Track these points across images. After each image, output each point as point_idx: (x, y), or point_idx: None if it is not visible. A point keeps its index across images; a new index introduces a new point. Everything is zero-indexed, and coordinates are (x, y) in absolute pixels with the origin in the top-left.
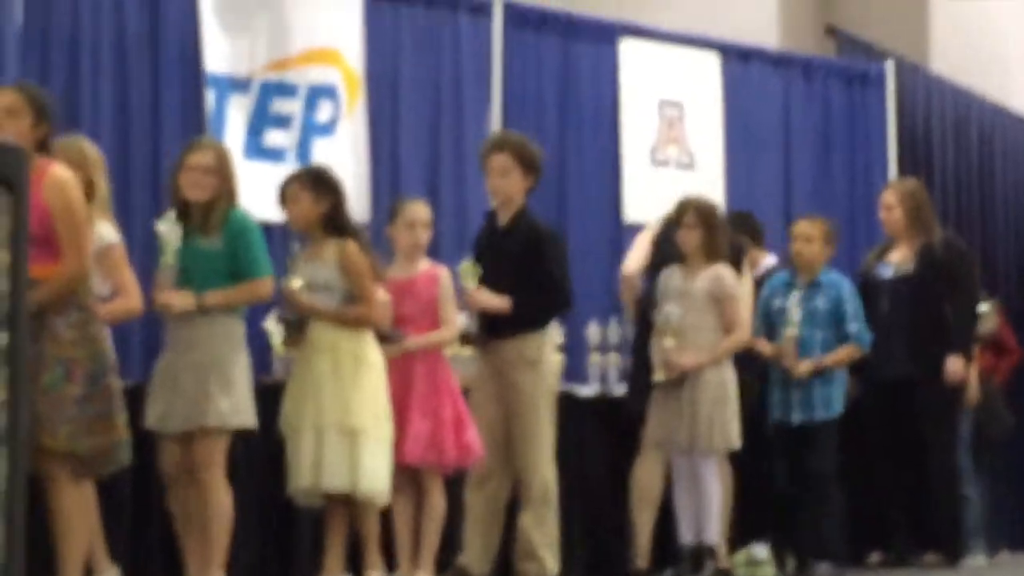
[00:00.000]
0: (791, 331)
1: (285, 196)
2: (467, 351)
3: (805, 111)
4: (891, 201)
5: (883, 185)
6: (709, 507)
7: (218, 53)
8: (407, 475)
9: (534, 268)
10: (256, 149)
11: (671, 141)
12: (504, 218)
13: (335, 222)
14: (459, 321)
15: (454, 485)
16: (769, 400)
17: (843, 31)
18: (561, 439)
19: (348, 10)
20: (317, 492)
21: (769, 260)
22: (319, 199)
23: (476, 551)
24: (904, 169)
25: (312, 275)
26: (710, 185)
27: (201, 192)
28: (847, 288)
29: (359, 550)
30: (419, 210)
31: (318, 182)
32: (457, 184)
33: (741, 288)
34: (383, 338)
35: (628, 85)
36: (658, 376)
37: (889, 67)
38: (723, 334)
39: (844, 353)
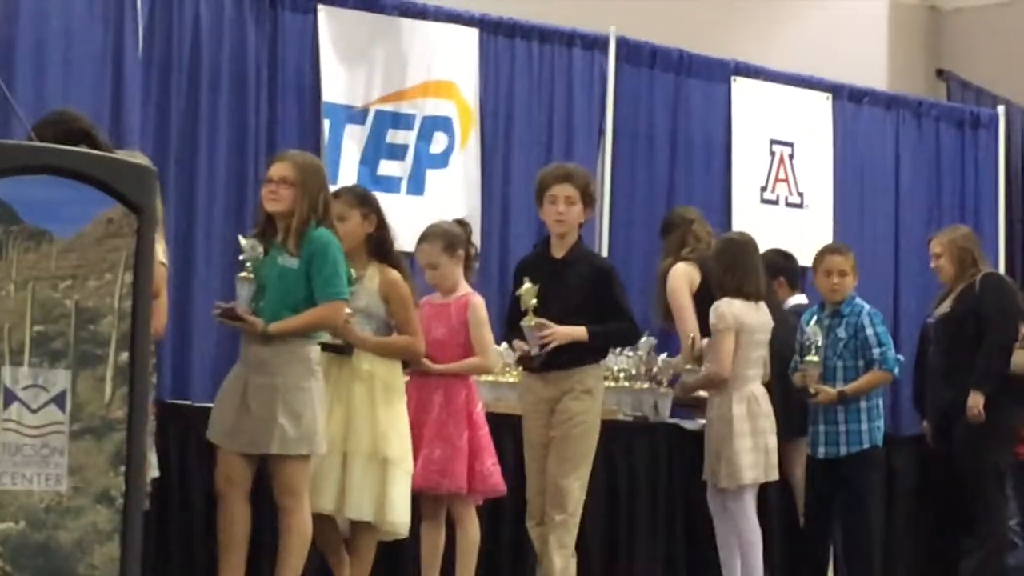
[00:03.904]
0: (810, 357)
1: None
2: (510, 378)
3: (916, 153)
4: (936, 250)
5: (992, 227)
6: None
7: (336, 83)
8: (435, 504)
9: (602, 300)
10: (370, 178)
11: (781, 180)
12: (560, 249)
13: (380, 246)
14: (498, 349)
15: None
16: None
17: (953, 74)
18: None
19: (464, 43)
20: (339, 517)
21: (797, 298)
22: (366, 218)
23: None
24: (1013, 212)
25: (351, 300)
26: (820, 224)
27: (276, 203)
28: (867, 314)
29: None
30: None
31: (365, 201)
32: None
33: (723, 323)
34: (405, 363)
35: (739, 123)
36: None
37: (1000, 111)
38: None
39: (868, 379)
